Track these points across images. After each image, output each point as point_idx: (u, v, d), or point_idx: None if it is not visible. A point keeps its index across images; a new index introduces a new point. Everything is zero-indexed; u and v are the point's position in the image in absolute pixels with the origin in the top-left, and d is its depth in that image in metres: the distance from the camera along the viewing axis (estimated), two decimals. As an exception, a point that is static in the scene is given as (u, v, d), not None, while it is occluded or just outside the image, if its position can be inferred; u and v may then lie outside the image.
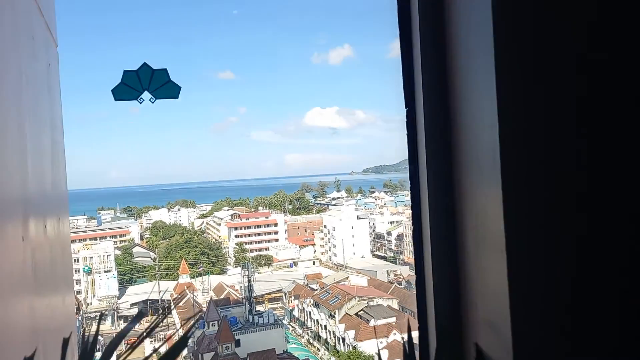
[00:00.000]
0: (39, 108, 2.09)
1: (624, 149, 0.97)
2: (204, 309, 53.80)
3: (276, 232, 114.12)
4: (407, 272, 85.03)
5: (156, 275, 79.50)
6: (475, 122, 1.12)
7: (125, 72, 6.24)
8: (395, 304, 55.25)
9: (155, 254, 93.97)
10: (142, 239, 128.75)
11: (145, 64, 6.31)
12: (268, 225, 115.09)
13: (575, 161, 0.98)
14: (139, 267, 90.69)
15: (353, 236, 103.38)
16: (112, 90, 6.15)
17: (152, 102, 6.28)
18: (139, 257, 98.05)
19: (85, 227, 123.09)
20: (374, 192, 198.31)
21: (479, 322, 1.15)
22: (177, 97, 6.36)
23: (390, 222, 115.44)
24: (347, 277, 67.72)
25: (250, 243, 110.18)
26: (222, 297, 63.17)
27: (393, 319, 49.38)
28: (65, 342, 2.56)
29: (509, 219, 0.97)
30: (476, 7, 1.06)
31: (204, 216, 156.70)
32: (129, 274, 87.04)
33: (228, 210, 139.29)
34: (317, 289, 62.44)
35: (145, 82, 6.22)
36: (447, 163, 1.26)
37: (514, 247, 0.96)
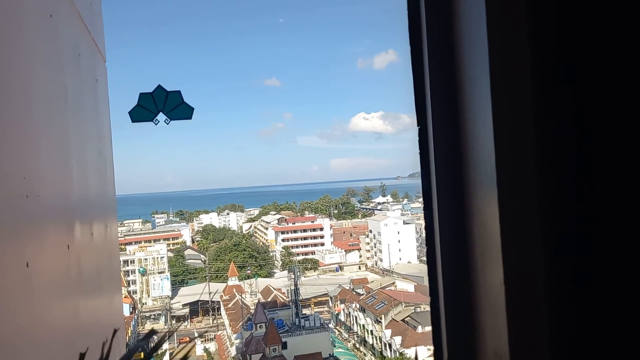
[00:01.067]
0: (85, 121, 2.24)
1: (624, 152, 0.96)
2: (252, 311, 54.70)
3: (322, 237, 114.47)
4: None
5: (206, 277, 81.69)
6: (476, 132, 1.12)
7: (141, 95, 6.43)
8: (443, 311, 53.99)
9: (205, 256, 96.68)
10: (193, 241, 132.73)
11: (159, 86, 6.44)
12: (314, 230, 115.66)
13: (573, 169, 0.96)
14: (190, 269, 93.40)
15: (399, 241, 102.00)
16: (130, 113, 6.30)
17: (167, 124, 6.43)
18: (190, 259, 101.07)
19: (141, 229, 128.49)
20: (421, 196, 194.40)
21: (487, 347, 1.14)
22: (190, 118, 6.51)
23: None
24: (394, 283, 66.87)
25: (297, 247, 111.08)
26: (269, 299, 63.99)
27: (441, 326, 48.24)
28: (111, 340, 2.71)
29: (505, 228, 0.97)
30: (473, 16, 1.07)
31: (252, 220, 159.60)
32: (181, 276, 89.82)
33: (275, 214, 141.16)
34: (363, 294, 62.05)
35: (160, 104, 6.34)
36: (455, 175, 1.27)
37: (510, 256, 0.96)
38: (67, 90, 1.91)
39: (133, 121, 6.35)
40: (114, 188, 2.98)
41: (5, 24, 1.31)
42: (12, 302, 1.23)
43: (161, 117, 6.43)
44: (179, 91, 6.47)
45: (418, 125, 1.46)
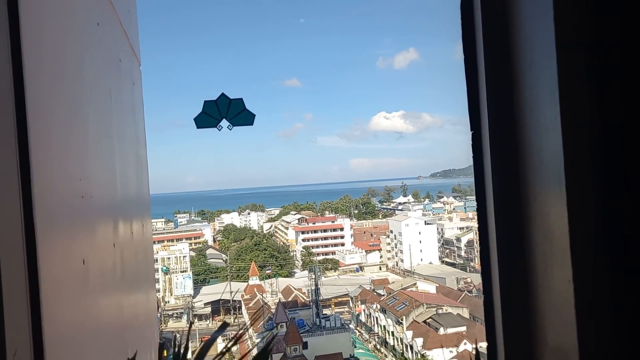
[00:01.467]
0: (125, 124, 2.32)
1: None
2: (273, 311, 55.01)
3: (342, 237, 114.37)
4: (478, 279, 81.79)
5: (228, 277, 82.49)
6: (539, 134, 1.12)
7: (206, 102, 6.66)
8: (465, 313, 53.34)
9: (226, 255, 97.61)
10: (214, 241, 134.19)
11: (223, 95, 6.66)
12: (334, 230, 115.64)
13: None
14: (212, 268, 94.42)
15: (420, 242, 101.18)
16: (195, 119, 6.59)
17: (230, 129, 6.66)
18: (212, 258, 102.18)
19: (164, 229, 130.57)
20: (442, 196, 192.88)
21: (547, 343, 1.15)
22: (251, 124, 6.71)
23: (460, 228, 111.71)
24: (415, 284, 66.38)
25: (317, 247, 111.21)
26: (290, 299, 64.24)
27: (464, 328, 47.70)
28: (148, 336, 2.80)
29: (574, 226, 0.97)
30: (538, 14, 1.05)
31: (273, 220, 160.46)
32: (202, 275, 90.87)
33: (295, 214, 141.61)
34: (383, 295, 61.78)
35: (224, 111, 6.55)
36: (513, 178, 1.27)
37: (578, 255, 0.96)
38: (111, 95, 2.00)
39: (198, 127, 6.65)
40: (148, 188, 3.07)
41: (60, 32, 1.35)
42: (71, 297, 1.30)
43: (224, 123, 6.72)
44: (241, 99, 6.69)
45: (472, 130, 1.45)
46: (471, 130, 1.44)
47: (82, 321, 1.39)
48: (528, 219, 1.22)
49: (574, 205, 0.97)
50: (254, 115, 6.72)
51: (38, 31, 1.09)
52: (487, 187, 1.35)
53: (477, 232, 1.52)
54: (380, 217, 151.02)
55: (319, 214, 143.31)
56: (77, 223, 1.41)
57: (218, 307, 77.59)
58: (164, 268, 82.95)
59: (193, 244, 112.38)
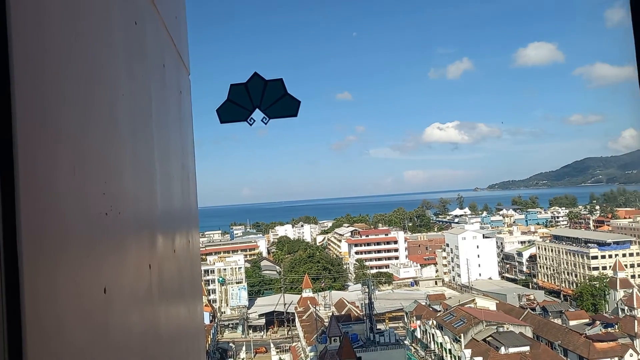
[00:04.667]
0: (169, 134, 2.24)
1: None
2: (326, 324, 54.63)
3: (396, 250, 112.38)
4: (541, 297, 77.36)
5: (281, 288, 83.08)
6: None
7: (232, 87, 4.91)
8: (528, 332, 50.50)
9: (280, 267, 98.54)
10: (269, 253, 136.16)
11: (255, 75, 4.92)
12: (388, 243, 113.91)
13: None
14: (266, 280, 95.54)
15: (478, 256, 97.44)
16: (218, 111, 4.88)
17: (265, 123, 4.86)
18: (266, 270, 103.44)
19: (220, 240, 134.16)
20: (502, 209, 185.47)
21: None
22: (295, 115, 4.95)
23: (521, 242, 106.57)
24: (473, 300, 63.79)
25: (370, 260, 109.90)
26: (343, 312, 63.63)
27: (527, 348, 45.13)
28: (195, 348, 2.70)
29: None
30: None
31: (325, 232, 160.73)
32: (257, 286, 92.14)
33: (348, 226, 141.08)
34: (440, 310, 59.80)
35: (257, 98, 4.87)
36: None
37: None
38: (152, 102, 1.90)
39: (222, 121, 4.89)
40: (196, 201, 2.98)
41: (91, 27, 1.25)
42: (90, 330, 1.15)
43: (257, 115, 4.90)
44: (281, 79, 4.94)
45: None
46: None
47: (106, 348, 1.23)
48: None
49: None
50: (299, 102, 4.94)
51: (38, 15, 0.96)
52: None
53: None
54: (436, 230, 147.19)
55: (372, 227, 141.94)
56: (97, 243, 1.24)
57: (272, 318, 78.23)
58: (220, 279, 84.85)
59: (248, 256, 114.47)
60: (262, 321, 78.06)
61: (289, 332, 74.92)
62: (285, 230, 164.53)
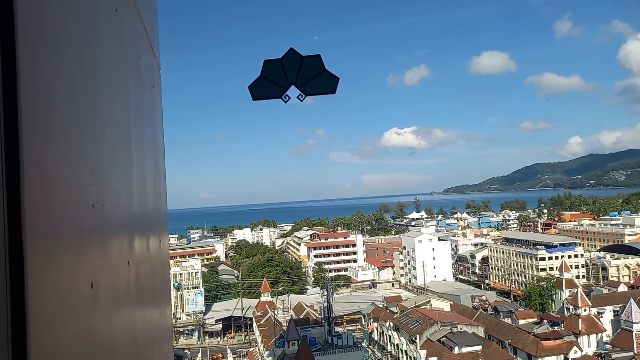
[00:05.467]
0: (143, 128, 2.15)
1: None
2: (285, 328, 54.31)
3: (355, 253, 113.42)
4: (493, 297, 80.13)
5: (239, 293, 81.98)
6: None
7: (267, 62, 4.81)
8: (481, 332, 52.12)
9: (238, 272, 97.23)
10: (226, 257, 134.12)
11: (292, 50, 4.85)
12: (346, 246, 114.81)
13: None
14: (223, 284, 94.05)
15: (434, 258, 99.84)
16: (250, 87, 4.77)
17: (301, 100, 4.76)
18: (224, 274, 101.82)
19: (176, 244, 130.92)
20: (456, 212, 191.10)
21: None
22: (334, 92, 4.85)
23: (474, 245, 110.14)
24: (429, 301, 65.25)
25: (329, 263, 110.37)
26: (301, 316, 63.49)
27: (479, 347, 46.56)
28: (164, 351, 2.61)
29: None
30: None
31: (285, 236, 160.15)
32: (214, 291, 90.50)
33: (307, 230, 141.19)
34: (396, 312, 60.75)
35: (292, 74, 4.76)
36: None
37: None
38: (129, 93, 1.82)
39: (254, 98, 4.79)
40: (166, 200, 2.89)
41: (77, 11, 1.20)
42: (76, 326, 1.09)
43: (293, 91, 4.79)
44: (319, 55, 4.83)
45: None
46: None
47: (90, 346, 1.19)
48: None
49: None
50: (338, 78, 4.83)
51: (37, 4, 0.94)
52: None
53: None
54: (393, 233, 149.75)
55: (331, 230, 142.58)
56: (84, 237, 1.17)
57: (229, 323, 76.98)
58: (176, 284, 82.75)
59: (205, 260, 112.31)
60: (219, 326, 76.68)
61: (247, 337, 74.00)
62: (244, 234, 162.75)
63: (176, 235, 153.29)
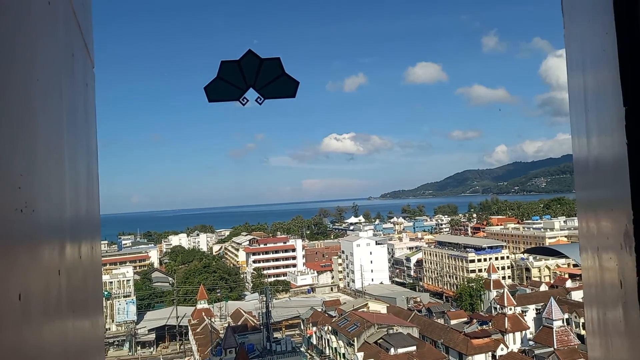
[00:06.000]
0: (76, 130, 2.03)
1: None
2: (222, 336, 53.20)
3: (294, 258, 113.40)
4: (427, 299, 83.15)
5: (174, 301, 79.27)
6: None
7: (224, 64, 4.66)
8: (415, 332, 53.86)
9: (173, 279, 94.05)
10: (161, 264, 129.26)
11: (250, 52, 4.70)
12: (286, 251, 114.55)
13: None
14: (157, 292, 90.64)
15: (372, 262, 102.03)
16: (206, 88, 4.63)
17: (260, 103, 4.65)
18: (157, 282, 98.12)
19: (106, 251, 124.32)
20: (392, 217, 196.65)
21: None
22: (294, 96, 4.76)
23: (409, 248, 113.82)
24: (366, 304, 66.52)
25: (268, 268, 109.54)
26: (239, 323, 62.49)
27: (414, 348, 48.06)
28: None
29: None
30: None
31: (223, 241, 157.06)
32: (147, 299, 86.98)
33: (246, 235, 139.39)
34: (335, 316, 61.38)
35: (251, 77, 4.64)
36: None
37: None
38: (62, 94, 1.71)
39: (210, 100, 4.64)
40: (99, 206, 2.75)
41: (4, 6, 1.12)
42: (3, 339, 1.01)
43: (251, 94, 4.68)
44: (278, 58, 4.75)
45: (625, 106, 1.23)
46: (624, 106, 1.23)
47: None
48: None
49: None
50: (297, 82, 4.75)
51: None
52: None
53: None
54: (332, 237, 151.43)
55: (270, 235, 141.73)
56: (12, 244, 1.09)
57: (163, 333, 74.15)
58: (105, 293, 78.58)
59: (138, 267, 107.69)
60: (152, 336, 73.63)
61: (182, 347, 71.63)
62: (180, 240, 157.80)
63: (106, 242, 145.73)
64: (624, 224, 1.06)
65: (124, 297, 79.61)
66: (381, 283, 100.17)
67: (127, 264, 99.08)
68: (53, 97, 1.58)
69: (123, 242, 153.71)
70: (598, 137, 1.53)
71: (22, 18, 1.27)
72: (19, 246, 1.14)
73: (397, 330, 52.60)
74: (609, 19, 1.22)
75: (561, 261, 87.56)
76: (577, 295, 60.59)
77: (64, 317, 1.60)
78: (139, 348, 72.01)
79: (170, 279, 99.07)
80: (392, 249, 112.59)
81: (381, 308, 64.70)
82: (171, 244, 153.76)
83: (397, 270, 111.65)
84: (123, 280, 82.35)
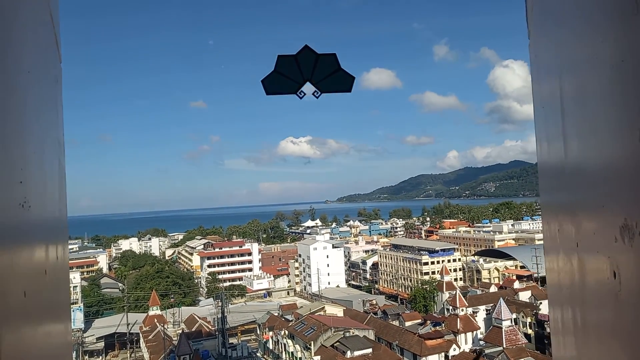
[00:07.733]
0: (47, 126, 1.93)
1: None
2: (175, 343, 51.85)
3: (250, 262, 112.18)
4: (382, 301, 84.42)
5: (125, 307, 76.47)
6: None
7: (280, 58, 4.82)
8: (371, 335, 54.50)
9: (124, 284, 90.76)
10: (110, 269, 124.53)
11: (306, 47, 4.85)
12: (242, 255, 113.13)
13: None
14: (106, 299, 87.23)
15: (328, 265, 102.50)
16: (263, 81, 4.74)
17: (317, 97, 4.80)
18: (107, 288, 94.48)
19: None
20: (349, 220, 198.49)
21: None
22: (349, 91, 4.92)
23: (365, 251, 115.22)
24: (323, 308, 66.69)
25: (224, 273, 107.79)
26: (194, 329, 61.10)
27: (369, 350, 48.60)
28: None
29: None
30: None
31: (176, 245, 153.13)
32: (95, 306, 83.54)
33: (201, 239, 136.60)
34: (292, 320, 61.16)
35: (307, 71, 4.80)
36: None
37: None
38: (33, 86, 1.61)
39: (268, 93, 4.74)
40: (66, 205, 2.62)
41: None
42: (9, 336, 0.99)
43: (308, 88, 4.84)
44: (334, 54, 4.89)
45: None
46: None
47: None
48: None
49: None
50: (353, 77, 4.88)
51: None
52: None
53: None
54: (289, 241, 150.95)
55: (226, 239, 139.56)
56: (16, 241, 1.07)
57: (113, 341, 71.34)
58: (50, 300, 74.87)
59: (85, 273, 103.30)
60: (101, 345, 70.68)
61: (133, 355, 69.17)
62: (130, 244, 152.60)
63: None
64: (622, 217, 1.08)
65: (71, 304, 76.12)
66: (338, 286, 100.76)
67: (74, 270, 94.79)
68: (21, 89, 1.45)
69: (70, 246, 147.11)
70: (581, 140, 1.59)
71: None
72: (20, 242, 1.10)
73: (353, 333, 53.02)
74: (598, 27, 1.25)
75: (509, 263, 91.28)
76: (524, 296, 63.36)
77: (44, 319, 1.51)
78: (86, 357, 68.90)
79: (120, 284, 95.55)
80: (349, 253, 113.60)
81: (338, 311, 65.04)
82: (121, 249, 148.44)
83: (354, 274, 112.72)
84: (69, 287, 78.77)
